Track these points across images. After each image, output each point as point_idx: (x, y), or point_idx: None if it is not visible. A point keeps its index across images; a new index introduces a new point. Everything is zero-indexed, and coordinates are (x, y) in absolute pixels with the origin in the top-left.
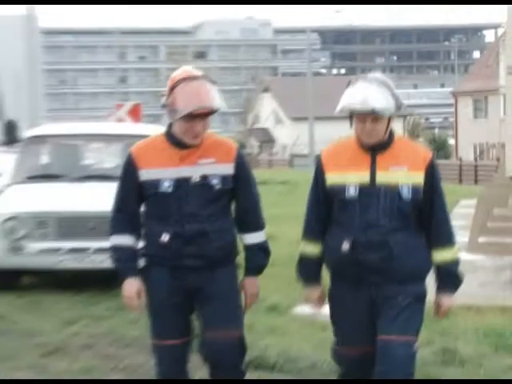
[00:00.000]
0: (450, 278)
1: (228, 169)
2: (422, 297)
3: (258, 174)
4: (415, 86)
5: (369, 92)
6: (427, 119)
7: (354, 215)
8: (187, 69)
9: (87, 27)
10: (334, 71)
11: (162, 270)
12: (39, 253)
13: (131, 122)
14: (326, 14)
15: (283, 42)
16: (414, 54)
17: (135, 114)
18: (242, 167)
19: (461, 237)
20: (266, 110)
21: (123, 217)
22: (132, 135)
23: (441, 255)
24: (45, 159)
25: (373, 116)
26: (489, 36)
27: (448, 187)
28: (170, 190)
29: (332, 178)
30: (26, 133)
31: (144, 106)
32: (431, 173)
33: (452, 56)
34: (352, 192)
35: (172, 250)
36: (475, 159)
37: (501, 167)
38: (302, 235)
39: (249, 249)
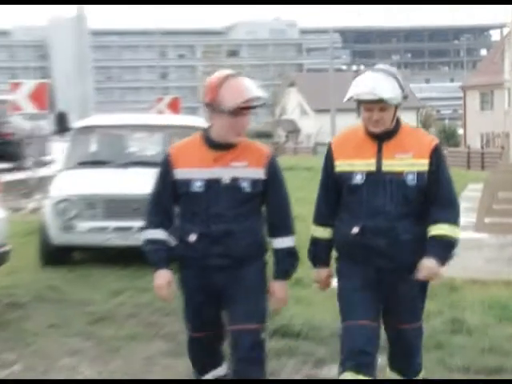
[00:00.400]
0: (438, 245)
1: (259, 173)
2: (425, 285)
3: (284, 160)
4: (427, 81)
5: (376, 82)
6: (438, 111)
7: (362, 201)
8: (224, 70)
9: (131, 28)
10: (354, 67)
11: (190, 269)
12: (88, 231)
13: (170, 113)
14: (347, 16)
15: (308, 41)
16: (426, 51)
17: (174, 106)
18: (273, 173)
19: (468, 217)
20: (292, 102)
21: (157, 212)
22: (171, 126)
23: (438, 229)
24: (93, 147)
25: (380, 105)
26: (495, 35)
27: (457, 172)
28: (200, 189)
29: (340, 165)
30: (76, 123)
31: (182, 99)
32: (436, 158)
33: (461, 53)
34: (359, 179)
35: (199, 250)
36: (482, 147)
37: (505, 154)
38: (312, 220)
39: (277, 253)
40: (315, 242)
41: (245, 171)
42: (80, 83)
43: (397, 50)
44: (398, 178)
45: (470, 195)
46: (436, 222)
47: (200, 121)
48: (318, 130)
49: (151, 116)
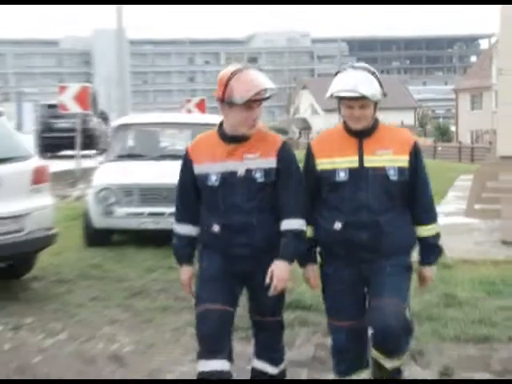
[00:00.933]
0: (431, 252)
1: (271, 162)
2: (408, 267)
3: (298, 153)
4: (424, 84)
5: (357, 79)
6: (433, 111)
7: (345, 198)
8: (234, 64)
9: (163, 38)
10: None
11: (214, 256)
12: (126, 216)
13: (198, 112)
14: (353, 27)
15: (319, 50)
16: (423, 58)
17: (201, 106)
18: (285, 159)
19: (460, 204)
20: (305, 103)
21: (183, 206)
22: (198, 123)
23: (423, 231)
24: (130, 142)
25: (361, 102)
26: (483, 44)
27: (450, 165)
28: (216, 183)
29: (322, 163)
30: (115, 122)
31: (208, 100)
32: (415, 156)
33: (454, 60)
34: (342, 176)
35: (223, 240)
36: (472, 143)
37: (492, 149)
38: None
39: (284, 235)
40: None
41: (257, 162)
42: (119, 86)
43: (397, 57)
44: (380, 173)
45: (461, 185)
46: (420, 223)
47: (219, 118)
48: (328, 128)
49: (181, 115)
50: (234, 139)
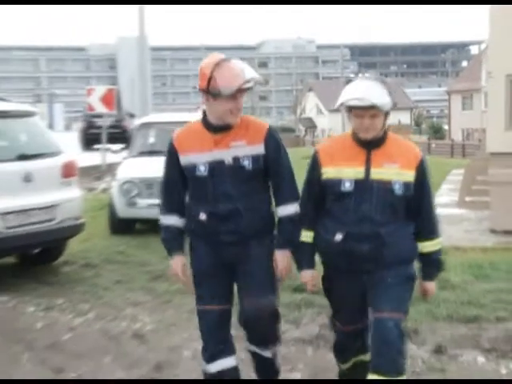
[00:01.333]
0: (433, 267)
1: (258, 149)
2: (410, 277)
3: (304, 150)
4: (420, 87)
5: (368, 89)
6: (428, 111)
7: (348, 208)
8: (215, 54)
9: (181, 45)
10: (360, 76)
11: (202, 245)
12: (147, 207)
13: None
14: (355, 34)
15: (323, 55)
16: (419, 63)
17: None
18: (272, 145)
19: (452, 196)
20: (310, 104)
21: (169, 199)
22: None
23: (425, 246)
24: (151, 140)
25: (371, 112)
26: (474, 50)
27: (443, 160)
28: (205, 173)
29: (328, 172)
30: (137, 121)
31: None
32: (421, 171)
33: (447, 65)
34: (347, 186)
35: (210, 228)
36: (463, 140)
37: (482, 146)
38: None
39: (280, 221)
40: (301, 246)
41: (245, 149)
42: (141, 89)
43: (395, 62)
44: (385, 186)
45: (453, 179)
46: (423, 238)
47: None
48: (332, 126)
49: (197, 114)
50: (219, 128)
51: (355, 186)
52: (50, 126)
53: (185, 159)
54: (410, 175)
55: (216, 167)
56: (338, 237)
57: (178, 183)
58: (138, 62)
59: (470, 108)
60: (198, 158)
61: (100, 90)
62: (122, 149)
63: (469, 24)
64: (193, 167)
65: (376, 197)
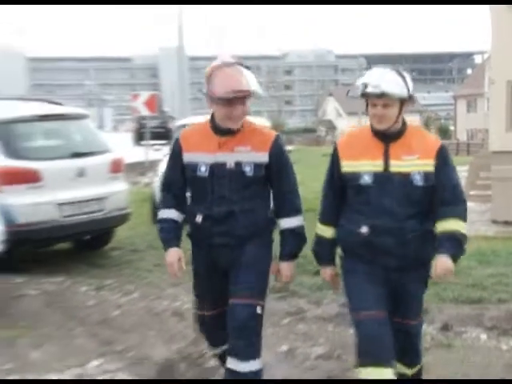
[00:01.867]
0: (449, 242)
1: (262, 157)
2: (427, 279)
3: (324, 149)
4: (428, 92)
5: (382, 77)
6: (436, 114)
7: (370, 202)
8: (224, 56)
9: (215, 54)
10: None
11: (199, 248)
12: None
13: None
14: (371, 45)
15: (342, 64)
16: (428, 71)
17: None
18: (277, 156)
19: None
20: (330, 107)
21: (170, 193)
22: None
23: (446, 224)
24: None
25: (384, 101)
26: (477, 59)
27: None
28: (205, 174)
29: (347, 165)
30: (177, 123)
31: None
32: (441, 158)
33: (453, 72)
34: (367, 179)
35: (203, 230)
36: (468, 139)
37: (485, 145)
38: (318, 218)
39: (282, 234)
40: (320, 241)
41: (248, 155)
42: (180, 95)
43: (406, 69)
44: (405, 178)
45: (459, 175)
46: (445, 217)
47: (262, 120)
48: (350, 128)
49: None
50: (224, 132)
51: (375, 179)
52: (100, 128)
53: (188, 157)
54: (429, 164)
55: (217, 169)
56: (364, 229)
57: (180, 179)
58: (178, 70)
59: (474, 111)
60: (201, 157)
61: (144, 95)
62: (163, 144)
63: (473, 36)
64: (194, 166)
65: (396, 190)
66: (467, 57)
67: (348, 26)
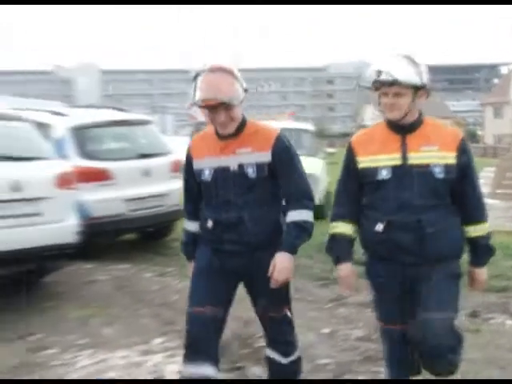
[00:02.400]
0: (481, 252)
1: (264, 157)
2: (456, 275)
3: None
4: (458, 100)
5: (391, 64)
6: (465, 120)
7: (388, 197)
8: (214, 62)
9: (267, 67)
10: None
11: (207, 250)
12: None
13: (290, 120)
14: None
15: None
16: (458, 80)
17: (290, 115)
18: (280, 153)
19: (484, 189)
20: (368, 113)
21: (189, 204)
22: (289, 128)
23: (473, 231)
24: None
25: (395, 89)
26: (503, 69)
27: (477, 160)
28: (210, 178)
29: (364, 161)
30: None
31: (296, 112)
32: (463, 151)
33: (480, 82)
34: (385, 174)
35: (214, 235)
36: (495, 143)
37: (510, 148)
38: (331, 217)
39: (286, 226)
40: (335, 239)
41: (249, 157)
42: None
43: (438, 80)
44: (424, 170)
45: (486, 175)
46: (470, 222)
47: (307, 125)
48: None
49: (276, 122)
50: (225, 135)
51: (393, 173)
52: (163, 132)
53: (196, 164)
54: (451, 157)
55: (220, 173)
56: (379, 227)
57: (195, 188)
58: None
59: (500, 117)
60: (206, 163)
61: None
62: None
63: (499, 48)
64: (199, 172)
65: (416, 183)
66: (493, 68)
67: (386, 38)
